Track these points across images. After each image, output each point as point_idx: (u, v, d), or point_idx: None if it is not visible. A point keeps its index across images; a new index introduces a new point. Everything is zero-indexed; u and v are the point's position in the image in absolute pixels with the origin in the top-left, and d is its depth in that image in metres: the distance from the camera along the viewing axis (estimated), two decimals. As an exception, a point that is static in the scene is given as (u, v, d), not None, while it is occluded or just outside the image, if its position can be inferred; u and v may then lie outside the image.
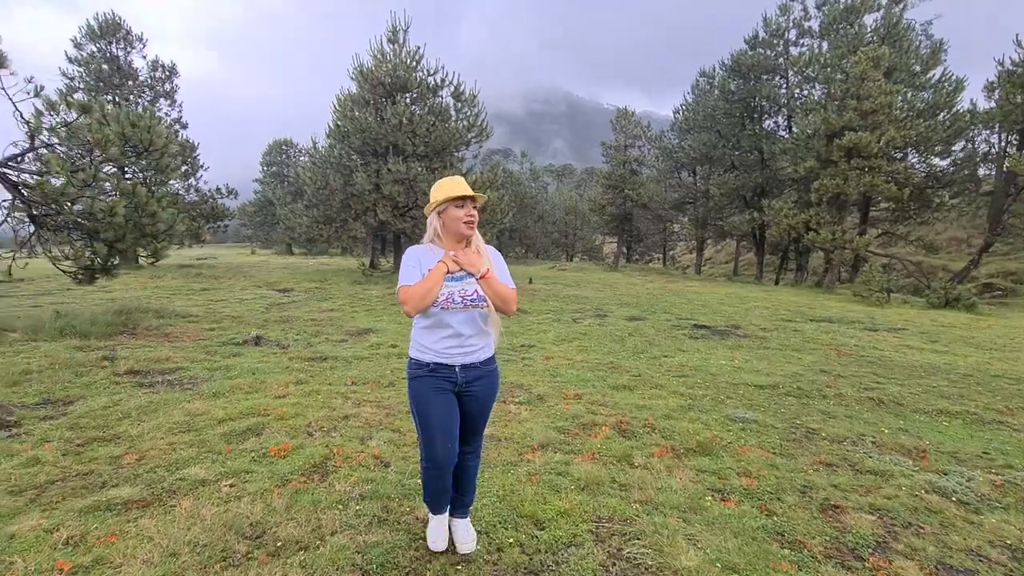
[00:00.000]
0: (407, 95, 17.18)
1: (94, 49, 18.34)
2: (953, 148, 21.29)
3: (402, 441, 3.51)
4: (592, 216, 33.50)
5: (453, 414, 2.12)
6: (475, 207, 2.12)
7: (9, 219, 6.68)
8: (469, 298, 2.03)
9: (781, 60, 25.37)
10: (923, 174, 21.06)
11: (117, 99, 17.95)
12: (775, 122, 26.84)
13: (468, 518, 2.36)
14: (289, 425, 3.70)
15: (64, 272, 7.56)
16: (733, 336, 8.99)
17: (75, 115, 6.71)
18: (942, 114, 20.75)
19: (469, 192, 2.08)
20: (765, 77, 25.66)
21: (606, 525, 2.45)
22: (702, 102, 27.79)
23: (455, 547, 2.25)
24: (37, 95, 6.30)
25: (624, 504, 2.63)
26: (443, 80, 17.50)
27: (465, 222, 2.08)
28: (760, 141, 25.12)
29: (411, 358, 2.15)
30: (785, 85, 25.59)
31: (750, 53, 25.92)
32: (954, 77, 21.00)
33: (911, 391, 5.50)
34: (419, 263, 2.05)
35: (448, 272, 2.01)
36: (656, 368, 6.29)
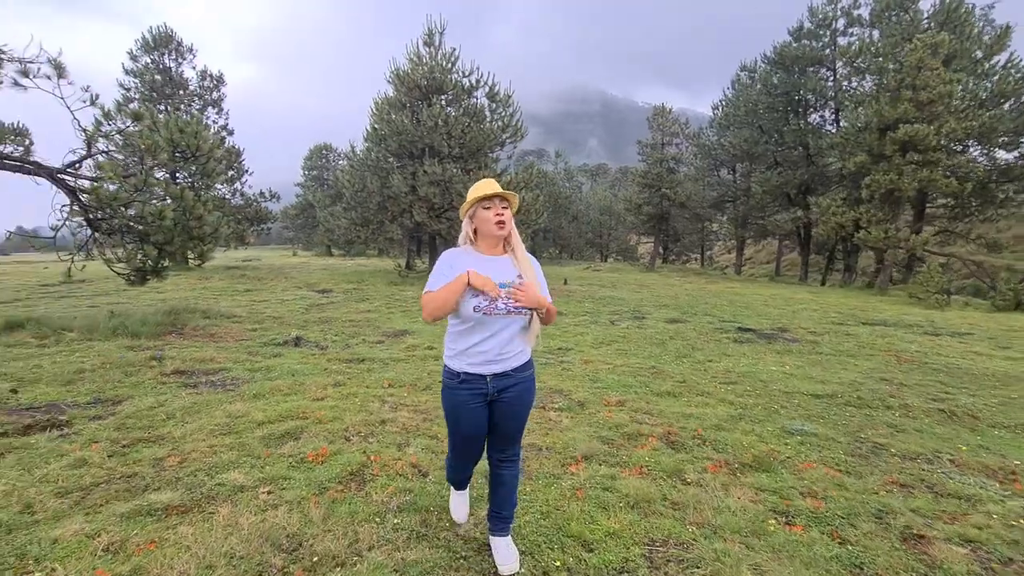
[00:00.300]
0: (443, 97, 17.27)
1: (148, 61, 19.24)
2: (1021, 139, 19.80)
3: (439, 448, 3.40)
4: (628, 216, 32.90)
5: (481, 426, 2.09)
6: (504, 206, 2.04)
7: (68, 223, 6.98)
8: (514, 305, 1.96)
9: (828, 51, 24.25)
10: (986, 168, 19.67)
11: (169, 108, 18.76)
12: (821, 116, 25.70)
13: (509, 536, 2.23)
14: (327, 429, 3.65)
15: (117, 274, 7.87)
16: (781, 340, 8.56)
17: (128, 122, 6.95)
18: (1008, 103, 19.33)
19: (496, 191, 2.01)
20: (811, 69, 24.59)
21: (660, 550, 2.26)
22: (743, 97, 26.87)
23: (496, 568, 2.11)
24: (93, 103, 6.56)
25: (679, 526, 2.43)
26: (478, 81, 17.51)
27: (495, 222, 2.01)
28: (805, 136, 24.07)
29: (444, 364, 2.10)
30: (832, 77, 24.45)
31: (794, 45, 24.90)
32: (1022, 63, 19.53)
33: (986, 402, 5.04)
34: (452, 268, 2.00)
35: (469, 285, 1.91)
36: (701, 374, 6.01)
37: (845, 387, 5.44)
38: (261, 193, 20.98)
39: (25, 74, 5.96)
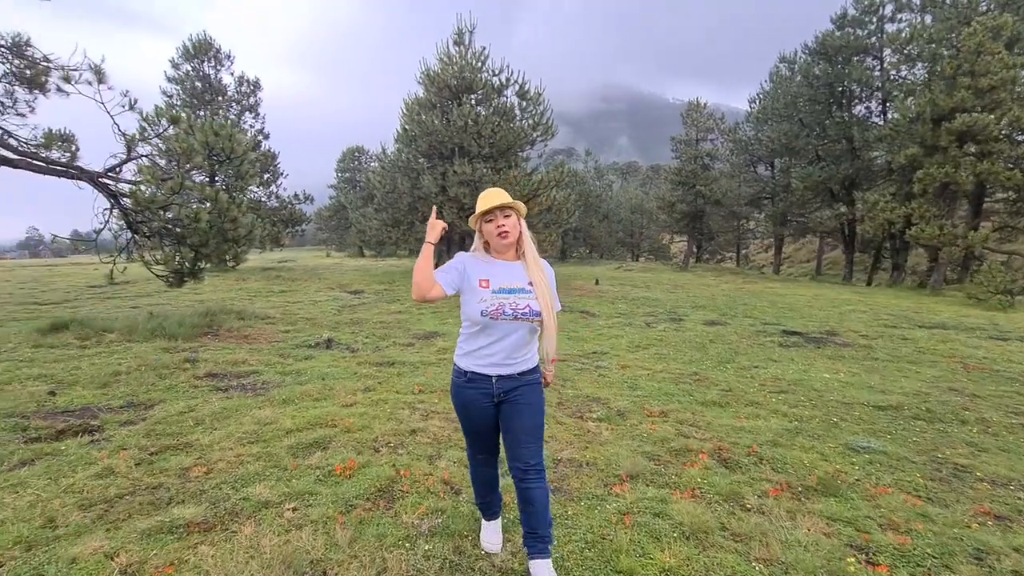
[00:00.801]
0: (472, 96, 17.16)
1: (188, 68, 19.83)
2: (1094, 128, 18.28)
3: (473, 462, 3.21)
4: (660, 214, 32.14)
5: (488, 426, 2.14)
6: (507, 215, 2.05)
7: (108, 227, 7.11)
8: (521, 311, 1.99)
9: (874, 39, 23.03)
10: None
11: (208, 113, 19.28)
12: (867, 107, 24.42)
13: (549, 559, 2.05)
14: (355, 439, 3.51)
15: (156, 276, 8.01)
16: (831, 344, 8.05)
17: (166, 125, 7.03)
18: (1080, 89, 17.89)
19: (494, 204, 2.02)
20: (855, 59, 23.40)
21: (724, 591, 1.99)
22: (782, 89, 25.83)
23: None
24: (131, 108, 6.65)
25: (744, 563, 2.15)
26: (508, 79, 17.31)
27: (497, 234, 2.04)
28: (849, 129, 22.92)
29: (454, 362, 2.16)
30: (879, 66, 23.21)
31: (837, 34, 23.76)
32: (1095, 45, 18.03)
33: (1077, 418, 4.52)
34: (462, 267, 2.05)
35: (429, 243, 2.00)
36: (748, 381, 5.64)
37: (910, 398, 4.99)
38: (295, 195, 21.33)
39: (67, 80, 6.08)
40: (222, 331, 7.55)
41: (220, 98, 20.42)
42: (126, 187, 6.91)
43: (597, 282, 17.61)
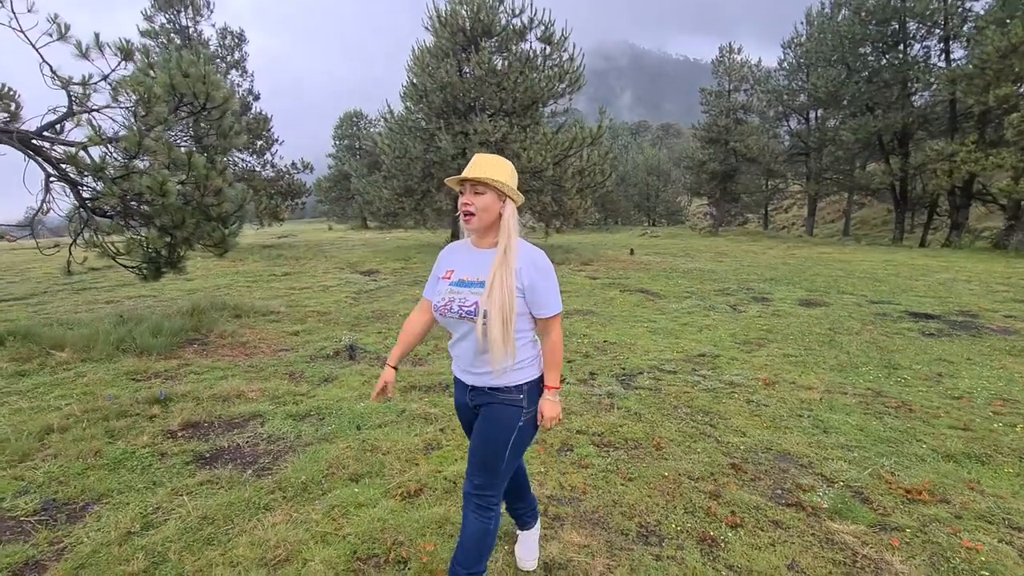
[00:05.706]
0: (491, 41, 14.92)
1: (164, 20, 17.46)
2: None
3: None
4: (686, 175, 29.87)
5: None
6: (479, 192, 1.62)
7: (47, 204, 5.30)
8: (467, 309, 1.62)
9: (937, -34, 20.34)
10: None
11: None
12: (924, 47, 21.87)
13: None
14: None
15: (125, 268, 6.24)
16: (988, 332, 6.33)
17: (116, 63, 5.13)
18: None
19: (464, 175, 1.63)
20: (911, -9, 20.75)
21: None
22: (827, 29, 23.21)
23: None
24: (62, 38, 4.73)
25: None
26: (531, 20, 15.01)
27: (463, 214, 1.66)
28: (906, 72, 20.50)
29: None
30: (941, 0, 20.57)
31: (893, -38, 21.06)
32: None
33: None
34: (438, 271, 1.79)
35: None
36: (964, 407, 3.92)
37: None
38: (293, 164, 19.26)
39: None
40: (212, 337, 5.83)
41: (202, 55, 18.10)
42: (69, 151, 5.06)
43: (632, 252, 15.78)
